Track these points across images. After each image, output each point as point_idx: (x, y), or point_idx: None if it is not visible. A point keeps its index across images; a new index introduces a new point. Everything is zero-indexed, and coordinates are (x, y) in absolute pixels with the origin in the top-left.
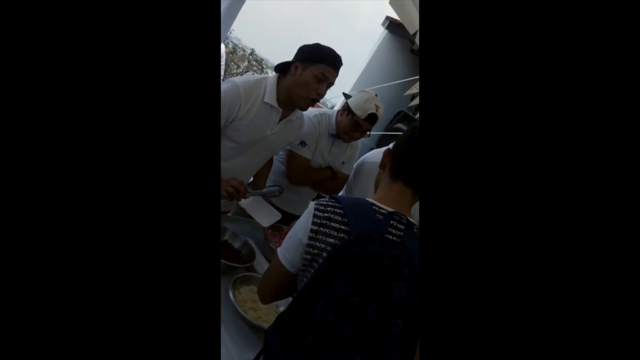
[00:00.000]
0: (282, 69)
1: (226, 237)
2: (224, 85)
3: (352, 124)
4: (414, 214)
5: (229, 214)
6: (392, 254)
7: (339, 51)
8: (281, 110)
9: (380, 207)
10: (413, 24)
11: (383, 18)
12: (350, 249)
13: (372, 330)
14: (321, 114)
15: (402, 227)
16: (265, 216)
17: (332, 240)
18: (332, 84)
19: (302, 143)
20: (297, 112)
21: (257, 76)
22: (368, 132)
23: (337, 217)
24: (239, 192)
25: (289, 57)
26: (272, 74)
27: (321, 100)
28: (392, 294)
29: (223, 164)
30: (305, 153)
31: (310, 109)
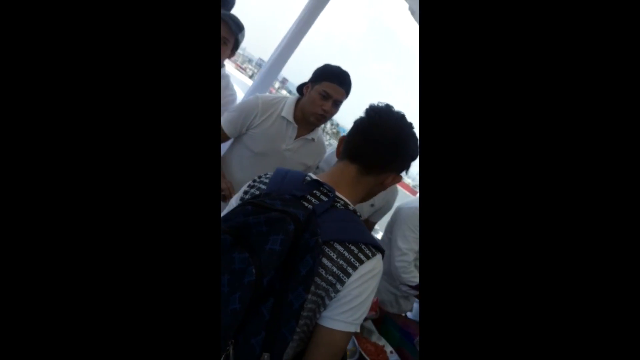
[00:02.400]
0: (300, 90)
1: None
2: (247, 98)
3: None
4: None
5: None
6: (289, 211)
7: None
8: (297, 126)
9: (312, 177)
10: None
11: None
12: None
13: (231, 276)
14: (273, 96)
15: (324, 198)
16: None
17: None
18: (338, 100)
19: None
20: (315, 132)
21: (280, 95)
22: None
23: (265, 180)
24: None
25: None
26: None
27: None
28: (266, 245)
29: (238, 175)
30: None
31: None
